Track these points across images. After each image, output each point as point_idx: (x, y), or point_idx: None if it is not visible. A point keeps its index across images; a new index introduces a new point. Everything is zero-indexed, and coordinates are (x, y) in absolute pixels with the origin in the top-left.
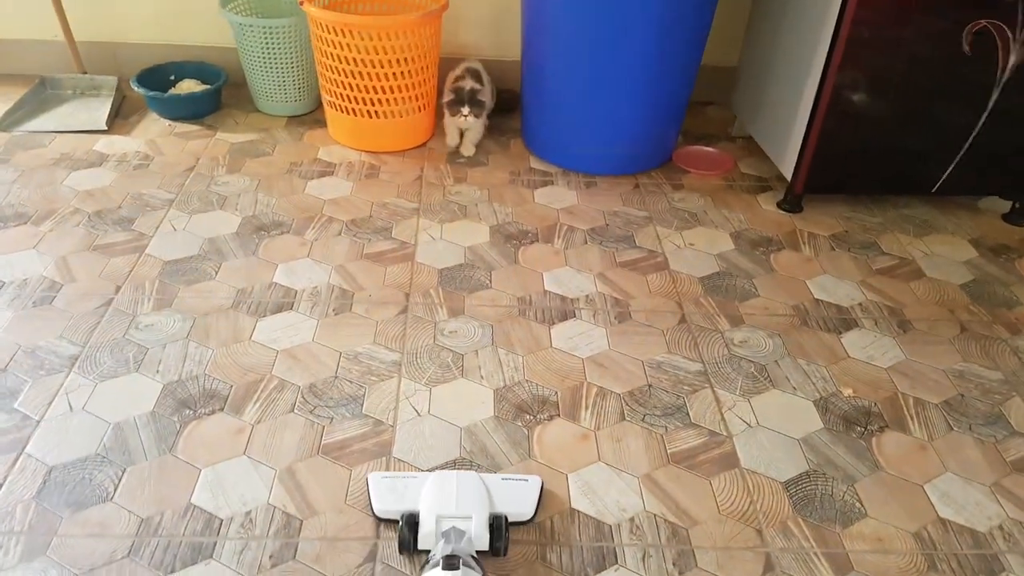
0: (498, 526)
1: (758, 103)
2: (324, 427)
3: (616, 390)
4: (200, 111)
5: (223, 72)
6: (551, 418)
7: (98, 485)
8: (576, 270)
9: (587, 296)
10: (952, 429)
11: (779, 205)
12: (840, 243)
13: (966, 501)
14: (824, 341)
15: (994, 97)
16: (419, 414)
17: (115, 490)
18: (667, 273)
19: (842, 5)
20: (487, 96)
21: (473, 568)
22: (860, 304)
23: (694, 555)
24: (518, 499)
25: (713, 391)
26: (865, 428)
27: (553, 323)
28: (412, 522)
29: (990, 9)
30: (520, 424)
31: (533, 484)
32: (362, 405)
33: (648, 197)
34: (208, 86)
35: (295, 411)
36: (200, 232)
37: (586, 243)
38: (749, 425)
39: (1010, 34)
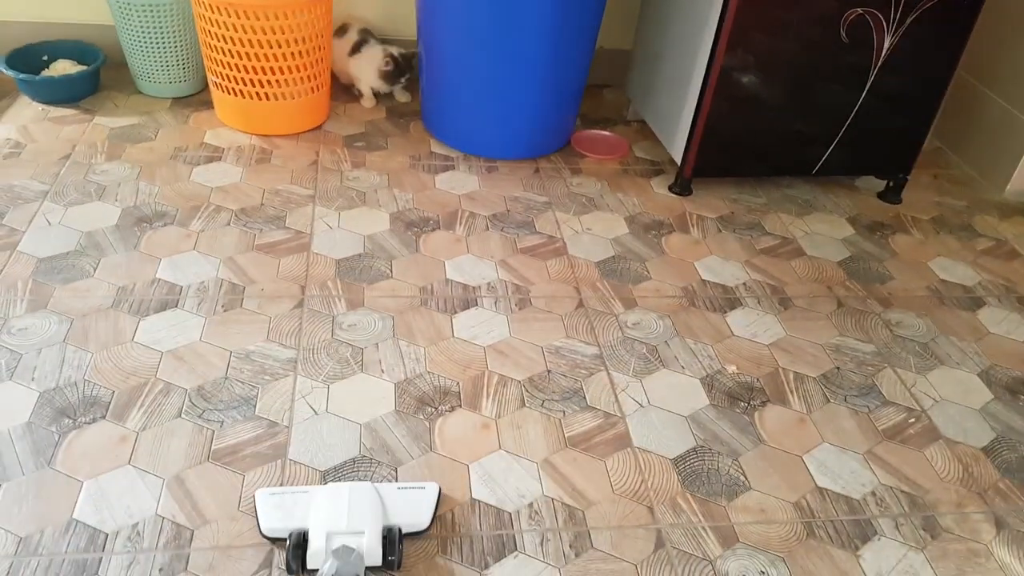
0: (391, 539)
1: (650, 87)
2: (214, 431)
3: (517, 377)
4: (76, 94)
5: (100, 52)
6: (452, 409)
7: None
8: (478, 257)
9: (489, 284)
10: (829, 401)
11: (670, 188)
12: (727, 225)
13: (841, 470)
14: (711, 321)
15: (870, 81)
16: (316, 412)
17: None
18: (566, 258)
19: None
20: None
21: None
22: (744, 284)
23: (590, 536)
24: (413, 509)
25: (608, 373)
26: (748, 403)
27: (455, 312)
28: (300, 541)
29: None
30: (422, 417)
31: (430, 492)
32: (255, 407)
33: (548, 182)
34: (84, 67)
35: (182, 416)
36: (77, 225)
37: (487, 229)
38: (641, 405)
39: (884, 22)
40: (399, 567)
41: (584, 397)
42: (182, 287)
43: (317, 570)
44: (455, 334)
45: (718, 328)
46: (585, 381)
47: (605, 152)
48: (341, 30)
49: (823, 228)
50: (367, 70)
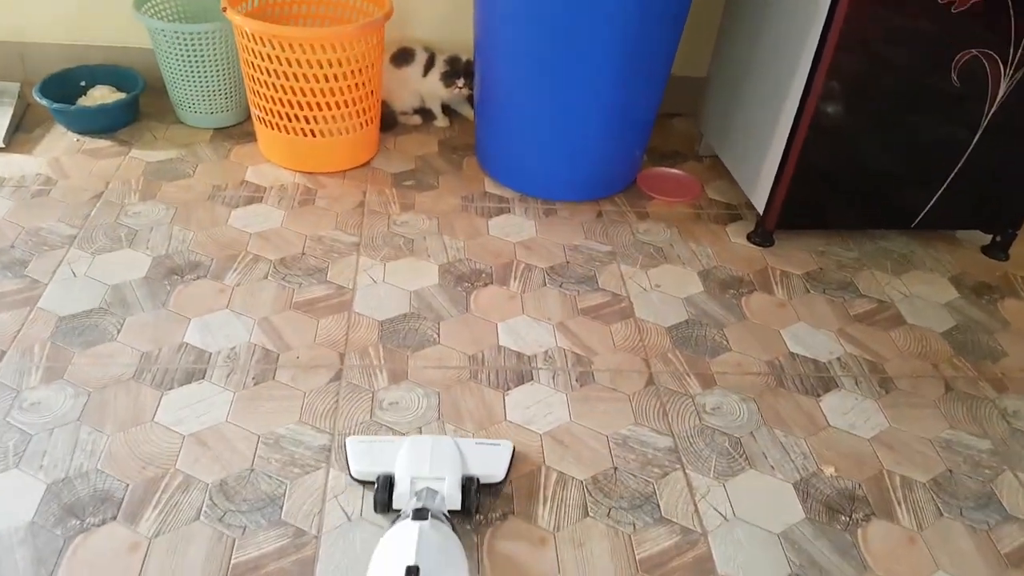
0: (469, 488)
1: (727, 124)
2: (235, 540)
3: (579, 476)
4: (113, 124)
5: (140, 78)
6: (504, 516)
7: None
8: (534, 319)
9: (546, 352)
10: (942, 515)
11: (749, 238)
12: (815, 283)
13: None
14: (802, 406)
15: (982, 127)
16: (349, 518)
17: None
18: (632, 322)
19: (826, 23)
20: None
21: (442, 521)
22: (839, 359)
23: None
24: (490, 462)
25: (685, 473)
26: (850, 517)
27: (508, 388)
28: (387, 483)
29: (982, 39)
30: (469, 527)
31: (505, 448)
32: (281, 508)
33: (611, 228)
34: (123, 94)
35: (201, 518)
36: (104, 278)
37: (545, 285)
38: (725, 518)
39: (1000, 64)
40: (478, 512)
41: (658, 505)
42: (211, 354)
43: (401, 510)
44: (507, 416)
45: (811, 416)
46: (658, 483)
47: (675, 193)
48: (405, 55)
49: (924, 290)
50: (439, 85)
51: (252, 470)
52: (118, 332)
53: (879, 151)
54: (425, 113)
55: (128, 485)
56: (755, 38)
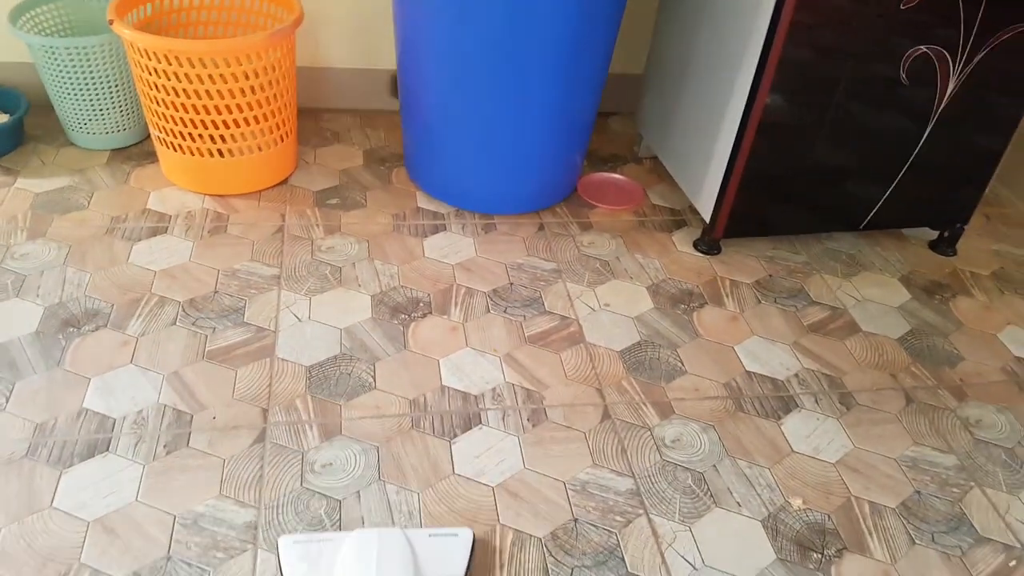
0: None
1: (667, 124)
2: None
3: (537, 533)
4: None
5: (23, 97)
6: None
7: None
8: (479, 352)
9: (494, 390)
10: (915, 543)
11: (696, 246)
12: (765, 292)
13: None
14: (764, 432)
15: (931, 124)
16: None
17: None
18: (583, 348)
19: (772, 20)
20: None
21: None
22: (797, 375)
23: None
24: (446, 559)
25: (649, 519)
26: (822, 554)
27: (455, 436)
28: None
29: (931, 35)
30: None
31: (463, 539)
32: None
33: (555, 242)
34: (5, 116)
35: None
36: None
37: (488, 311)
38: (694, 567)
39: (951, 62)
40: None
41: (623, 559)
42: (115, 420)
43: None
44: (456, 469)
45: (773, 442)
46: (622, 533)
47: (617, 201)
48: None
49: (876, 293)
50: None
51: (169, 558)
52: (7, 401)
53: (830, 151)
54: None
55: None
56: (694, 33)
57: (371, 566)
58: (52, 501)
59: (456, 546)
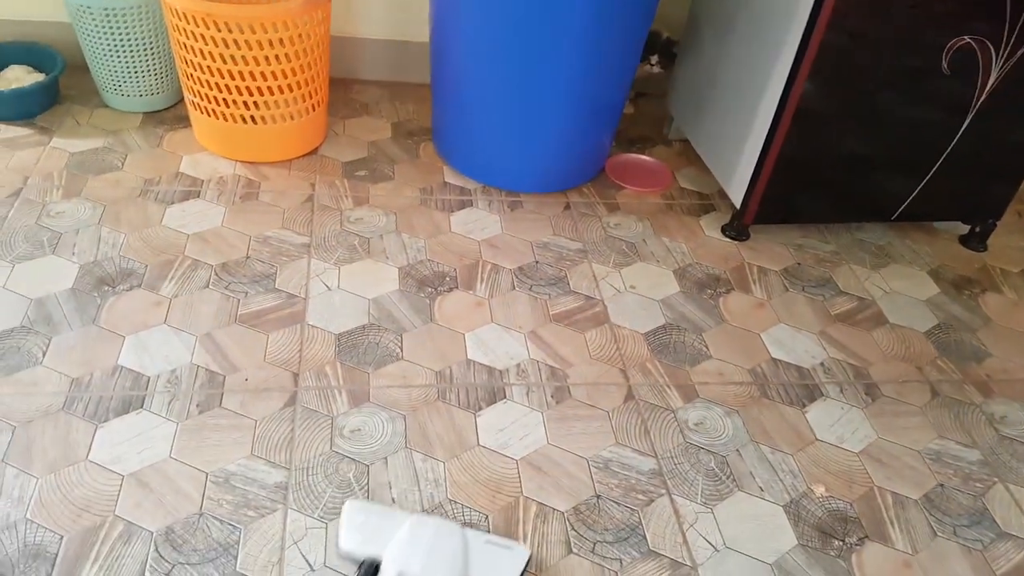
0: None
1: (700, 108)
2: None
3: (560, 507)
4: (31, 109)
5: (59, 56)
6: None
7: None
8: (504, 328)
9: (518, 366)
10: (936, 535)
11: (724, 231)
12: (793, 280)
13: None
14: (788, 418)
15: (970, 116)
16: (312, 567)
17: None
18: (608, 328)
19: (814, 7)
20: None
21: None
22: (822, 364)
23: None
24: (496, 570)
25: (671, 499)
26: (843, 541)
27: (480, 409)
28: (371, 571)
29: (975, 24)
30: None
31: (518, 557)
32: (236, 558)
33: (581, 222)
34: (41, 75)
35: (147, 574)
36: (25, 291)
37: (513, 288)
38: (715, 548)
39: (993, 53)
40: None
41: (644, 537)
42: (149, 378)
43: None
44: (480, 440)
45: (797, 429)
46: (644, 512)
47: (645, 183)
48: None
49: (903, 285)
50: None
51: (201, 514)
52: (43, 355)
53: (865, 141)
54: None
55: (63, 537)
56: (732, 19)
57: (419, 554)
58: (88, 454)
59: (509, 560)
